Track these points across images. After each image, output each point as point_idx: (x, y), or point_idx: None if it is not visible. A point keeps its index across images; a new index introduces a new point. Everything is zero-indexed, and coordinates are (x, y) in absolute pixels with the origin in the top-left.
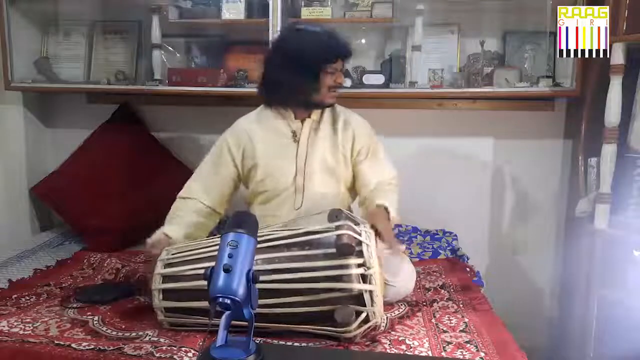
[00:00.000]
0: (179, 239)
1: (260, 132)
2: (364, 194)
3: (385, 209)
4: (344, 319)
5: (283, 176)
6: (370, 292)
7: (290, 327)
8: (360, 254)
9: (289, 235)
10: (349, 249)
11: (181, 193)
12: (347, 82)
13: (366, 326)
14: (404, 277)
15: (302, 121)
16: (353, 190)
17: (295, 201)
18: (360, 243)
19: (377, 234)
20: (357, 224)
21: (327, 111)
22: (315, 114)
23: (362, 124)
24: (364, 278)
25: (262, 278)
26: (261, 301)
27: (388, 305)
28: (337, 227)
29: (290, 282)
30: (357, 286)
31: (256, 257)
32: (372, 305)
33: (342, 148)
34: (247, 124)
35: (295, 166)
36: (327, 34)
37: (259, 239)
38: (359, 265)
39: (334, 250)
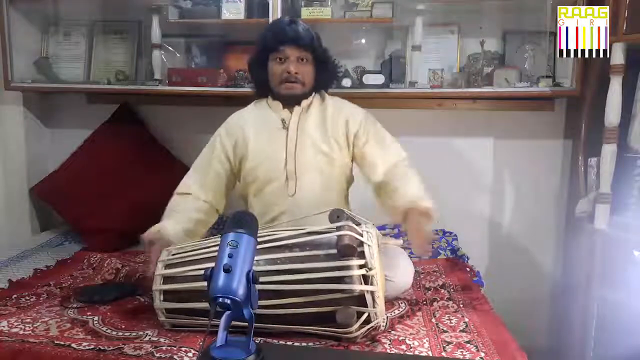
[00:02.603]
0: (178, 234)
1: (251, 123)
2: (375, 179)
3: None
4: (346, 320)
5: (273, 163)
6: (372, 293)
7: (291, 328)
8: (361, 255)
9: (290, 235)
10: (350, 250)
11: (178, 189)
12: (347, 82)
13: (368, 327)
14: (402, 272)
15: (291, 110)
16: (348, 175)
17: (289, 188)
18: (361, 244)
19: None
20: (358, 224)
21: (317, 99)
22: (304, 102)
23: (355, 108)
24: (366, 279)
25: (263, 279)
26: (262, 302)
27: (387, 302)
28: (339, 228)
29: (291, 283)
30: (359, 287)
31: (257, 257)
32: (373, 306)
33: (334, 133)
34: (239, 116)
35: (286, 153)
36: (281, 22)
37: (259, 240)
38: (361, 267)
39: (335, 251)
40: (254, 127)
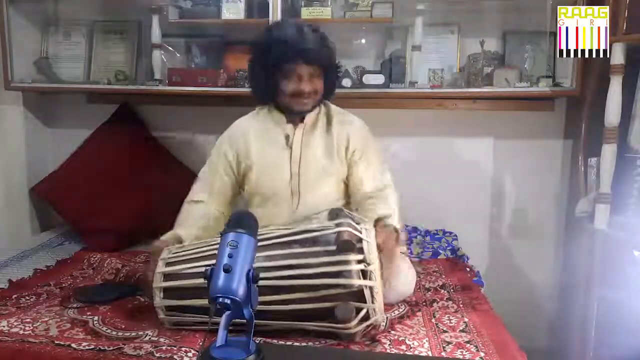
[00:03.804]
0: (190, 240)
1: (254, 135)
2: (357, 197)
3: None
4: (345, 316)
5: (277, 180)
6: (371, 288)
7: (290, 324)
8: (360, 251)
9: (289, 232)
10: (349, 245)
11: (189, 197)
12: (347, 82)
13: (366, 323)
14: (404, 278)
15: (295, 126)
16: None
17: (292, 205)
18: (360, 240)
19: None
20: (357, 223)
21: (322, 114)
22: (309, 118)
23: (359, 125)
24: (364, 274)
25: (262, 275)
26: (261, 298)
27: (388, 305)
28: (337, 225)
29: (290, 278)
30: (357, 282)
31: (257, 254)
32: (372, 302)
33: (337, 147)
34: (241, 126)
35: (290, 171)
36: (288, 33)
37: (259, 237)
38: (359, 262)
39: (334, 247)
40: (256, 141)
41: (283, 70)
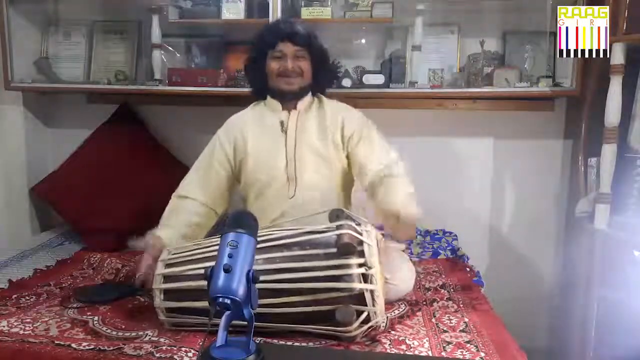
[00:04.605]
0: (174, 240)
1: (250, 125)
2: (365, 181)
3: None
4: (345, 319)
5: (274, 166)
6: (372, 291)
7: (290, 327)
8: (361, 254)
9: (289, 234)
10: (350, 248)
11: (177, 191)
12: (347, 82)
13: (367, 326)
14: (404, 275)
15: (289, 112)
16: (349, 177)
17: (289, 190)
18: (361, 243)
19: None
20: (358, 224)
21: (315, 102)
22: (302, 104)
23: (351, 110)
24: (365, 278)
25: (262, 277)
26: (261, 301)
27: (388, 304)
28: (338, 227)
29: (290, 281)
30: (358, 286)
31: (257, 256)
32: (373, 305)
33: (332, 134)
34: (238, 119)
35: (286, 156)
36: (277, 21)
37: (259, 239)
38: (360, 265)
39: (335, 249)
40: (252, 130)
41: (271, 53)
